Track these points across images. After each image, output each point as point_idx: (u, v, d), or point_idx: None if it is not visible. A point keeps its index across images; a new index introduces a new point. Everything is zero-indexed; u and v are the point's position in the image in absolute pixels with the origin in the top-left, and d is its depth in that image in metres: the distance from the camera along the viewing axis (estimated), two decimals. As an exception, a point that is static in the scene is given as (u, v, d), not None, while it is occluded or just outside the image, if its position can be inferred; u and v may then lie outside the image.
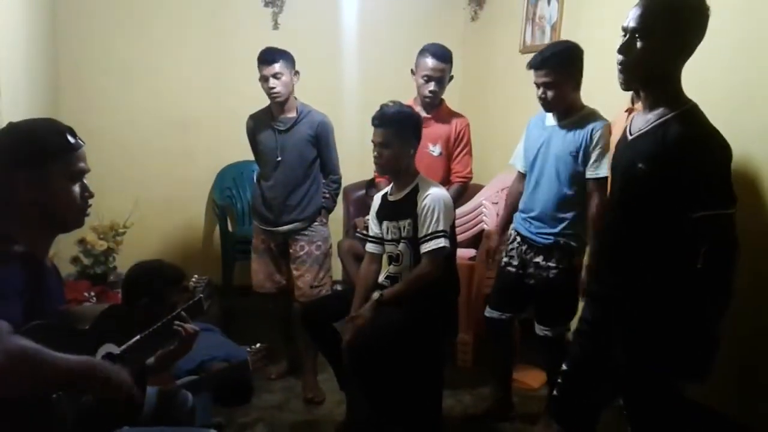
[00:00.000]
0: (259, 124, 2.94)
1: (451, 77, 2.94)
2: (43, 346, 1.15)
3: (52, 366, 1.16)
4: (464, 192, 3.05)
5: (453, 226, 2.45)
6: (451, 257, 2.46)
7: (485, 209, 3.39)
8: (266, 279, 3.02)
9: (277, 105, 2.86)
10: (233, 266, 3.94)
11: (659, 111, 1.61)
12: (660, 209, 1.61)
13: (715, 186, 1.54)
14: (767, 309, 1.99)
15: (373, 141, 2.43)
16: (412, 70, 2.93)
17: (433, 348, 2.47)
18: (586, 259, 2.30)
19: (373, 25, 4.27)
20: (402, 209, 2.43)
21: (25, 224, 1.32)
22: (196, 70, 4.05)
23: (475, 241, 3.30)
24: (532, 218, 2.46)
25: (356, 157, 3.39)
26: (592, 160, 2.29)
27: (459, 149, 2.98)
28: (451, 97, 3.12)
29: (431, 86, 2.85)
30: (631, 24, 1.58)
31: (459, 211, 2.98)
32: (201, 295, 1.82)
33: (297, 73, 2.86)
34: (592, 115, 2.35)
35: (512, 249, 2.55)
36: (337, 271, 3.51)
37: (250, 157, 3.13)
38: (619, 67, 1.63)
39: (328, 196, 2.97)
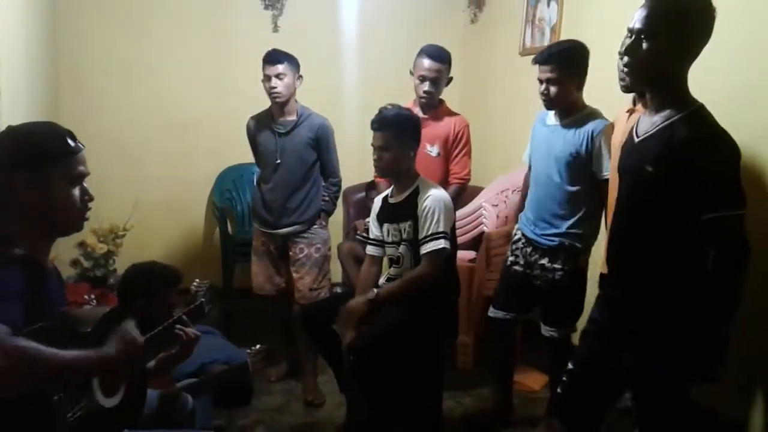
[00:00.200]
0: (260, 126, 2.94)
1: (451, 79, 2.93)
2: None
3: (53, 364, 1.17)
4: (462, 194, 3.04)
5: (453, 228, 2.45)
6: (452, 259, 2.45)
7: (485, 211, 3.38)
8: (266, 281, 3.02)
9: (277, 106, 2.86)
10: (233, 268, 3.92)
11: (666, 113, 1.60)
12: (669, 211, 1.60)
13: (724, 187, 1.53)
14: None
15: (372, 144, 2.42)
16: (410, 71, 2.93)
17: (434, 350, 2.46)
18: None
19: (372, 29, 4.27)
20: (402, 211, 2.42)
21: (25, 227, 1.32)
22: (196, 70, 4.05)
23: (475, 243, 3.29)
24: (536, 219, 2.45)
25: (356, 159, 3.39)
26: (598, 161, 2.28)
27: (458, 150, 2.96)
28: (450, 98, 3.11)
29: (426, 86, 2.84)
30: (637, 25, 1.57)
31: (459, 213, 2.97)
32: (202, 300, 1.83)
33: (301, 77, 2.87)
34: (593, 115, 2.34)
35: (517, 249, 2.54)
36: (337, 273, 3.50)
37: (251, 159, 3.12)
38: (625, 68, 1.62)
39: (327, 199, 2.97)
